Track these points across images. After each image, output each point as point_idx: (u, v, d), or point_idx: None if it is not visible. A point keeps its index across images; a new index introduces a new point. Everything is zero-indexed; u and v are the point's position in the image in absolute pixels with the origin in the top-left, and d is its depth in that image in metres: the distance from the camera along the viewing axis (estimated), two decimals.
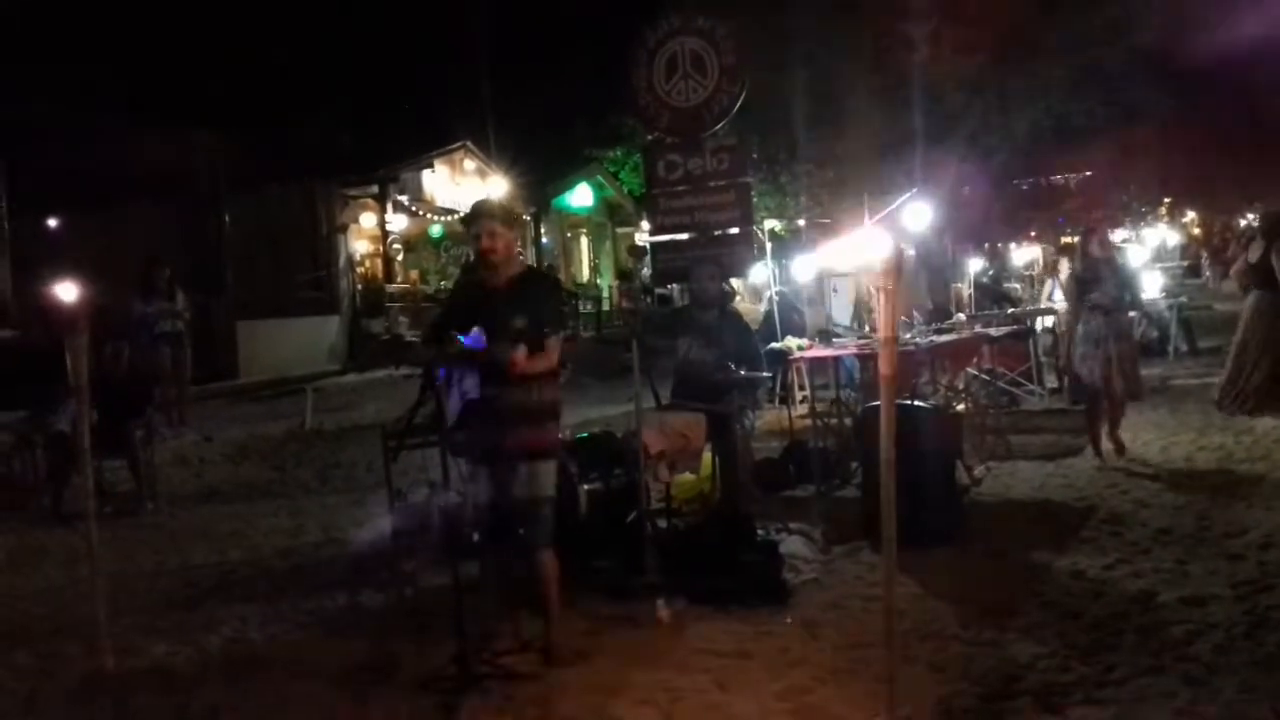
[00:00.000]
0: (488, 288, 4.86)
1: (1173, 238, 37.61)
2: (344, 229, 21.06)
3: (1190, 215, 41.84)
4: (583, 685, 4.54)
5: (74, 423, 7.44)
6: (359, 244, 22.05)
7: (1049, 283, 17.46)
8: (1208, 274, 31.31)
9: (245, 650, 5.40)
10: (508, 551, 4.91)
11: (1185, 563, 5.75)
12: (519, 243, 5.08)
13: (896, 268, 3.86)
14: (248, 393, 15.95)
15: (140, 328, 12.12)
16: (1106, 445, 8.73)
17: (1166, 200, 37.45)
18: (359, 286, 21.44)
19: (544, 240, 26.43)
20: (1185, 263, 32.67)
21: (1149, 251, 28.14)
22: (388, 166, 20.98)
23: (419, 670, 4.77)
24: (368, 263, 22.40)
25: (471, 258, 5.34)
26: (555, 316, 4.79)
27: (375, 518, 7.43)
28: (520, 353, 4.54)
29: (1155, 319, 16.06)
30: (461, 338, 4.66)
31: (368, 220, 21.55)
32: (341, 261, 20.81)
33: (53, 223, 17.44)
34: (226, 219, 17.95)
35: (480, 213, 4.88)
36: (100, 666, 5.02)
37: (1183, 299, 17.11)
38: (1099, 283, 8.53)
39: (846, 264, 12.94)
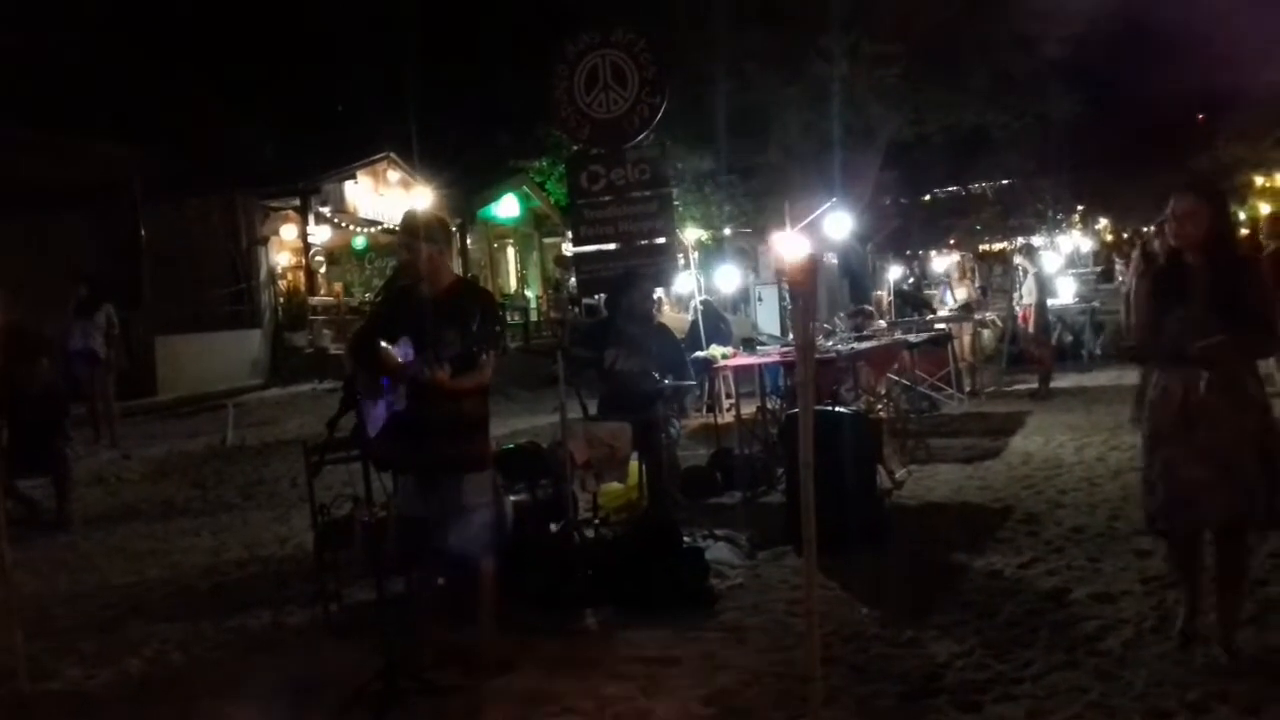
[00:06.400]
0: (420, 298, 4.80)
1: (1086, 244, 38.67)
2: (265, 241, 20.74)
3: (1103, 222, 43.09)
4: (509, 696, 4.55)
5: None
6: (280, 256, 21.72)
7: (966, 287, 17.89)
8: (1119, 279, 32.32)
9: (166, 671, 5.31)
10: (433, 564, 4.90)
11: (1097, 560, 5.93)
12: (448, 255, 5.01)
13: (813, 274, 3.95)
14: (167, 409, 15.63)
15: (62, 345, 11.97)
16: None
17: (1080, 208, 38.54)
18: (281, 299, 21.12)
19: (470, 251, 26.28)
20: (1098, 268, 33.58)
21: (1063, 257, 28.86)
22: (309, 178, 20.67)
23: (344, 687, 4.72)
24: (290, 275, 22.07)
25: (391, 270, 5.32)
26: (488, 333, 4.62)
27: (298, 534, 7.35)
28: (444, 371, 4.51)
29: (1069, 323, 16.56)
30: (390, 347, 4.62)
31: (289, 232, 21.24)
32: (263, 274, 20.48)
33: None
34: (144, 232, 17.58)
35: (401, 227, 4.89)
36: (15, 691, 4.90)
37: (1095, 303, 17.63)
38: (1182, 298, 4.27)
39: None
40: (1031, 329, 13.27)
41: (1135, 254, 9.75)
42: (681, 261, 11.62)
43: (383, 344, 4.64)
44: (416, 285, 4.83)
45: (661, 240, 8.52)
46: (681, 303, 15.07)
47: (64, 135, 17.14)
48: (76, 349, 12.22)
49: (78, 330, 12.27)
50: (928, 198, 27.21)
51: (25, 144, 16.25)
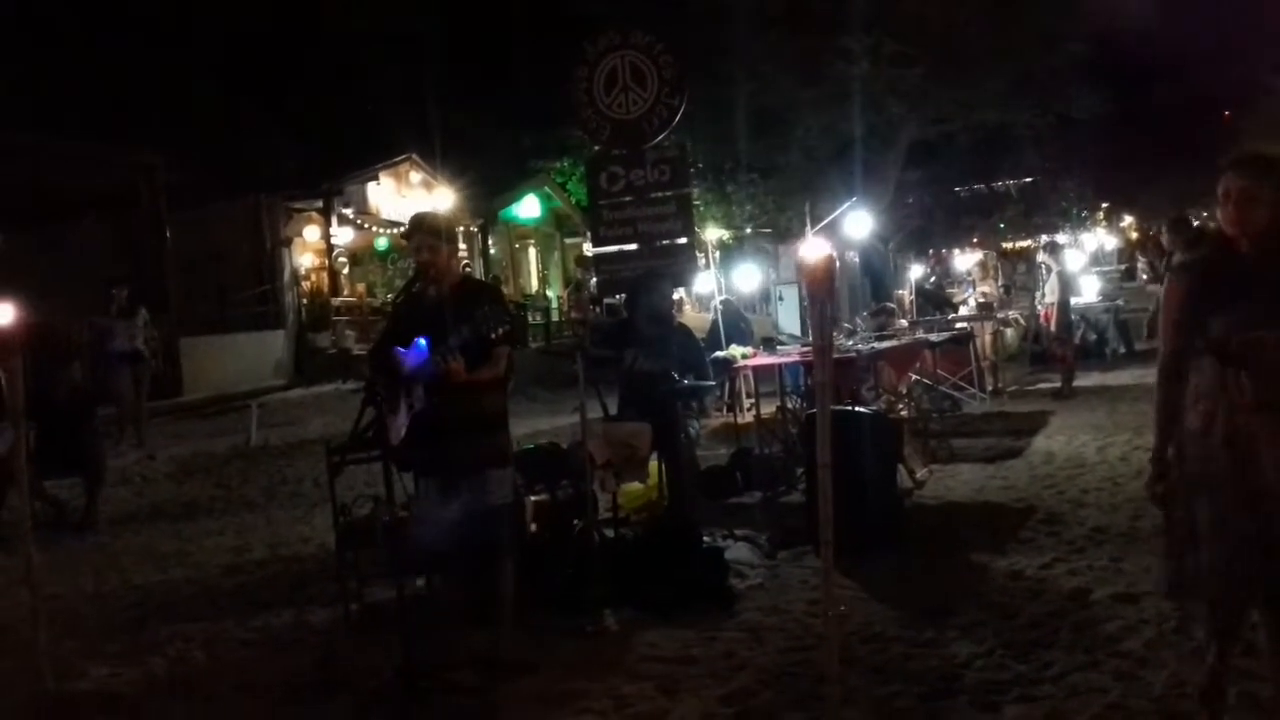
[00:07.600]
0: (430, 299, 4.86)
1: (1110, 242, 38.42)
2: (288, 243, 20.89)
3: (1128, 220, 42.80)
4: (529, 696, 4.57)
5: (12, 445, 7.33)
6: (304, 258, 21.88)
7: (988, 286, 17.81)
8: (1143, 276, 32.12)
9: (190, 670, 5.35)
10: (455, 564, 4.92)
11: (1119, 560, 5.89)
12: (462, 254, 5.07)
13: (831, 276, 3.95)
14: (192, 410, 15.77)
15: (100, 347, 12.15)
16: None
17: (1104, 205, 38.27)
18: (304, 301, 21.26)
19: (492, 252, 26.39)
20: (1122, 266, 33.34)
21: (1087, 256, 28.68)
22: (332, 180, 20.83)
23: (365, 686, 4.76)
24: (313, 276, 22.23)
25: (411, 271, 5.32)
26: (496, 315, 4.62)
27: (321, 534, 7.39)
28: (458, 363, 4.54)
29: (1093, 322, 16.46)
30: (403, 351, 4.65)
31: (312, 234, 21.39)
32: (286, 276, 20.64)
33: None
34: (169, 235, 17.73)
35: (417, 227, 4.90)
36: (41, 689, 4.94)
37: (1120, 301, 17.51)
38: (1235, 297, 3.31)
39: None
40: (1054, 328, 13.20)
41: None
42: (702, 261, 11.62)
43: (397, 349, 4.65)
44: (427, 288, 4.86)
45: (681, 240, 8.51)
46: (702, 302, 15.07)
47: (90, 143, 17.33)
48: (122, 350, 12.43)
49: (122, 332, 12.45)
50: (950, 196, 27.10)
51: (52, 151, 16.45)
